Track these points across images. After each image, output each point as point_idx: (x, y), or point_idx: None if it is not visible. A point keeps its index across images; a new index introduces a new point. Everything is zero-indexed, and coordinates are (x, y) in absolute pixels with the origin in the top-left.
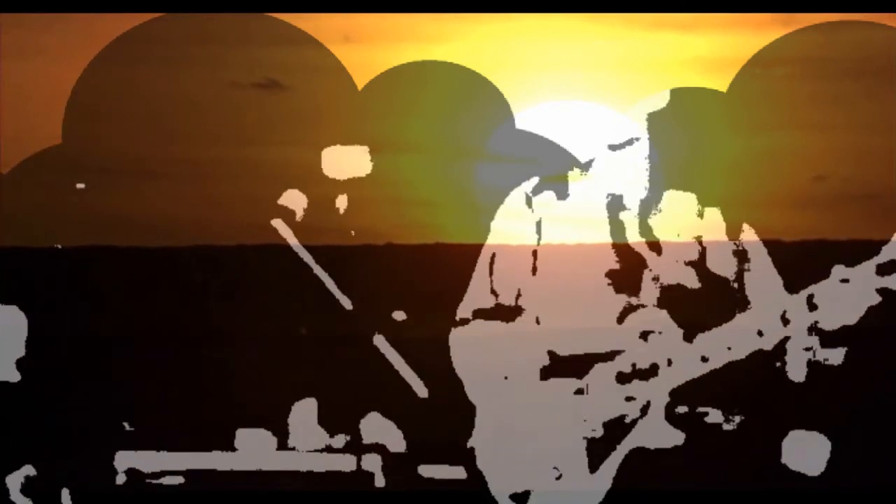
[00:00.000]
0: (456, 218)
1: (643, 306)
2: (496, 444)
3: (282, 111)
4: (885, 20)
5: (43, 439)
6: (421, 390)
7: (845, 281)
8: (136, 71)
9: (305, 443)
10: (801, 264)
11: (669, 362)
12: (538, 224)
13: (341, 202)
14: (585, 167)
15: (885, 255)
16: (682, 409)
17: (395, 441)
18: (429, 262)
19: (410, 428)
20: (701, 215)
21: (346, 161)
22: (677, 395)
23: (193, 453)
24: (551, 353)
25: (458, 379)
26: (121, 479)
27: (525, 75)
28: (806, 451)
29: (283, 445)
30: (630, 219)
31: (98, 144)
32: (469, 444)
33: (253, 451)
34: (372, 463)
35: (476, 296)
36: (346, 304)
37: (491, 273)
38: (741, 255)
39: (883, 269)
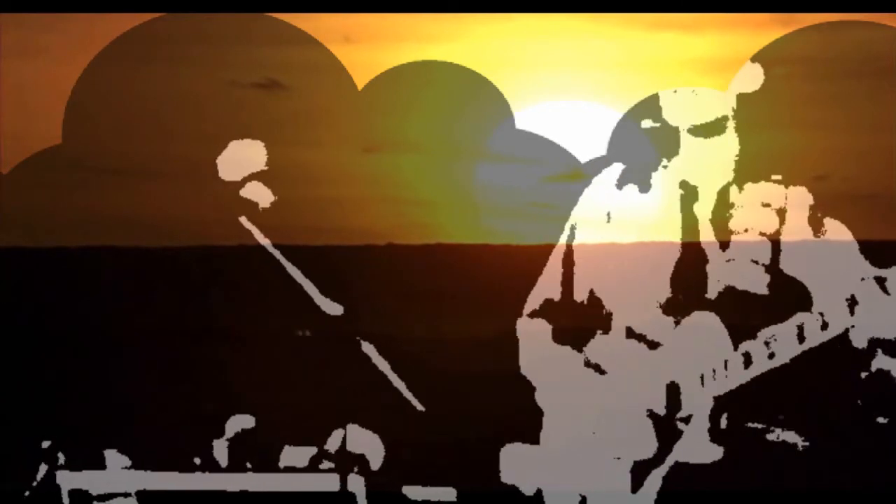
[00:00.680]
0: (456, 218)
1: (692, 309)
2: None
3: (282, 111)
4: (885, 20)
5: (43, 438)
6: (413, 399)
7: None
8: (136, 71)
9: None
10: (802, 264)
11: (723, 365)
12: (573, 227)
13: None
14: (586, 167)
15: None
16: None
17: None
18: (429, 263)
19: (407, 430)
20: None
21: (243, 157)
22: (723, 402)
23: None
24: (606, 356)
25: (456, 380)
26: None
27: (525, 75)
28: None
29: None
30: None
31: (98, 144)
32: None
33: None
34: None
35: (544, 294)
36: (337, 309)
37: (565, 272)
38: (775, 256)
39: None
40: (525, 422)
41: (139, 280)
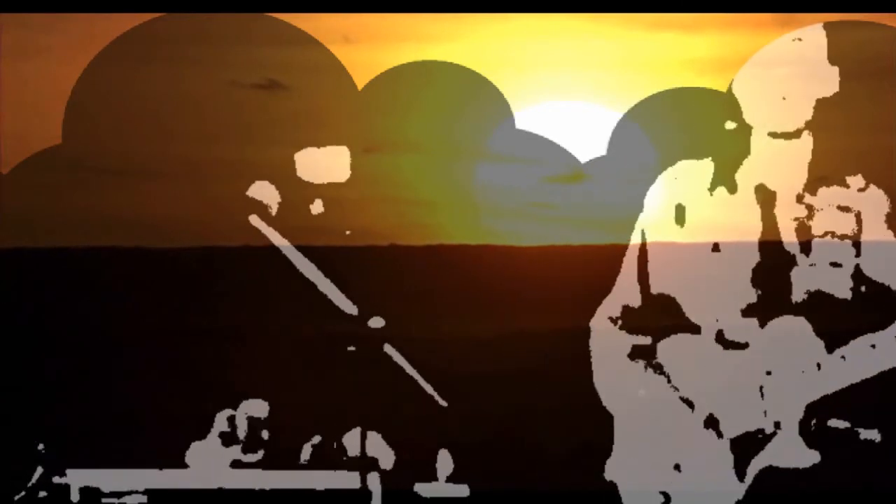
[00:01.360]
0: (456, 218)
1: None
2: (632, 448)
3: (282, 111)
4: (885, 20)
5: (43, 438)
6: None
7: None
8: (137, 71)
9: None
10: (802, 264)
11: (813, 369)
12: (643, 231)
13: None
14: (586, 167)
15: None
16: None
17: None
18: (429, 263)
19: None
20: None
21: (323, 164)
22: (814, 408)
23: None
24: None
25: (458, 380)
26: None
27: (525, 75)
28: None
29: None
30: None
31: (98, 144)
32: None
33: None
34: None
35: (621, 294)
36: (351, 308)
37: (641, 273)
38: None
39: None
40: (525, 422)
41: (139, 280)
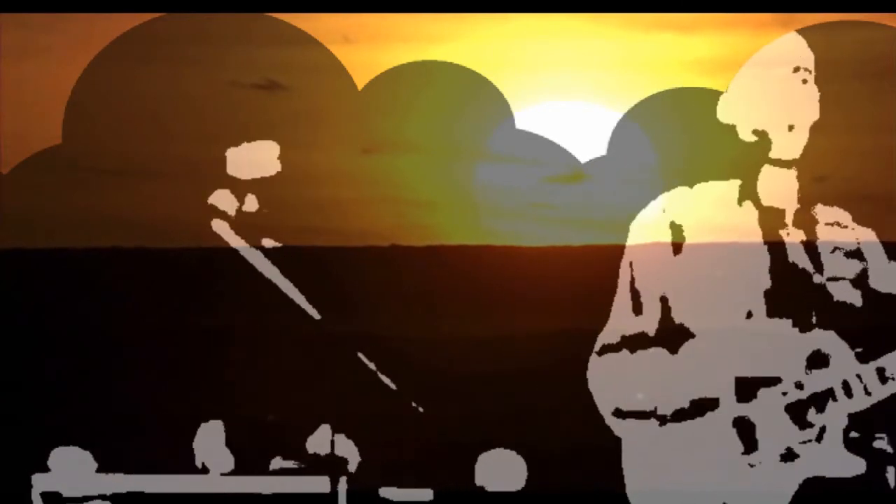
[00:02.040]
0: (455, 218)
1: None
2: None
3: (282, 111)
4: (885, 20)
5: (43, 438)
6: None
7: None
8: (136, 71)
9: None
10: (803, 264)
11: (845, 385)
12: (643, 232)
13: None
14: (586, 167)
15: None
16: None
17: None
18: (429, 264)
19: (407, 432)
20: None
21: (251, 159)
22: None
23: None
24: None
25: (458, 380)
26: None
27: (525, 75)
28: None
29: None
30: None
31: (98, 144)
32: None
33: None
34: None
35: (624, 301)
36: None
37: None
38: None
39: None
40: (526, 423)
41: (140, 281)
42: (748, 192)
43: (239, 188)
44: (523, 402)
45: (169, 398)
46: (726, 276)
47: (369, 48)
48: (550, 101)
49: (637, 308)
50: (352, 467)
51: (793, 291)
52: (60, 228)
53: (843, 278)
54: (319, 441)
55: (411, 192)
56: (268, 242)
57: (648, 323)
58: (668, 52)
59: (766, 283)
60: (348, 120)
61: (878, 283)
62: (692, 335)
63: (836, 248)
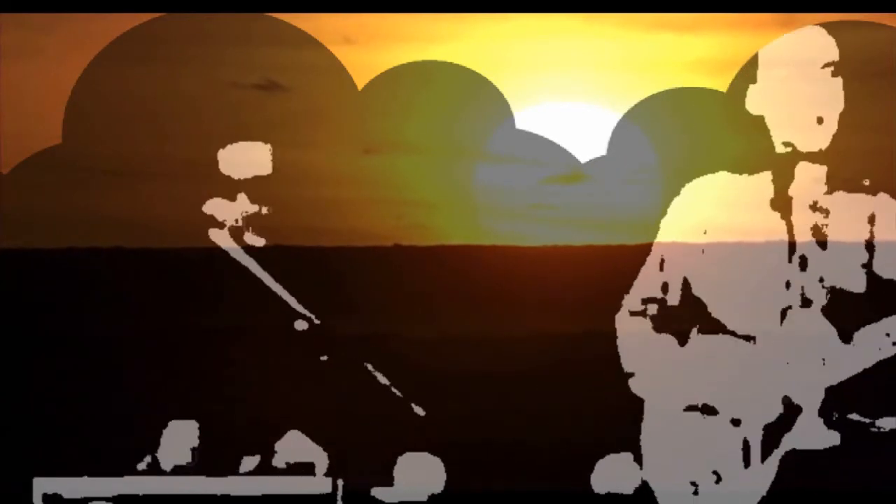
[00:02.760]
0: (455, 219)
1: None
2: (662, 442)
3: (282, 111)
4: (885, 20)
5: (44, 441)
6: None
7: None
8: (136, 71)
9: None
10: (804, 264)
11: (823, 362)
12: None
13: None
14: (586, 168)
15: None
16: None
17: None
18: (429, 264)
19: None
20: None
21: (246, 158)
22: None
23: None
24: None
25: (459, 380)
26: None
27: (525, 75)
28: None
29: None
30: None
31: (98, 145)
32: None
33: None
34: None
35: (642, 293)
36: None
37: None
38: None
39: None
40: (526, 423)
41: (140, 280)
42: (748, 192)
43: (239, 188)
44: (523, 402)
45: (169, 398)
46: (726, 276)
47: (369, 48)
48: (550, 101)
49: (640, 307)
50: (352, 467)
51: (794, 291)
52: (60, 228)
53: (844, 277)
54: (319, 441)
55: (412, 192)
56: (268, 243)
57: (652, 321)
58: (668, 52)
59: (767, 282)
60: (348, 120)
61: (879, 281)
62: (690, 334)
63: (836, 248)
